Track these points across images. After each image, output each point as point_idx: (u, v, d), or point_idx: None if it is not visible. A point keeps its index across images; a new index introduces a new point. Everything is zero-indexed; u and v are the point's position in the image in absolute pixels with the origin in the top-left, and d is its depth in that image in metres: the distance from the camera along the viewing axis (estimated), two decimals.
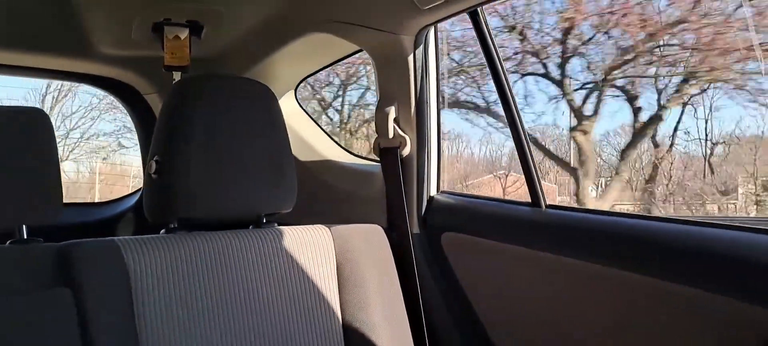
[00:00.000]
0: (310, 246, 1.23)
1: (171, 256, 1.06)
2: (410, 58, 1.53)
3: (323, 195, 1.95)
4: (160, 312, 1.02)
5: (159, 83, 2.21)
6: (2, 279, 0.90)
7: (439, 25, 1.51)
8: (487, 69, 1.42)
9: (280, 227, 1.24)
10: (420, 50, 1.54)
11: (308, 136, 2.10)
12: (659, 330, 1.11)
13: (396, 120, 1.60)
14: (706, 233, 1.08)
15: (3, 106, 1.27)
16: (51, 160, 1.22)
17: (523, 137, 1.39)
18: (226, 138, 1.12)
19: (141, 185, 2.41)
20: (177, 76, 1.82)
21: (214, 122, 1.11)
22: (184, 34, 1.72)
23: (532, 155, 1.39)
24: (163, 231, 1.16)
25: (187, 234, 1.12)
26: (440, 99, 1.62)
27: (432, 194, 1.63)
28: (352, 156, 2.08)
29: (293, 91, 2.13)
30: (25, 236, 1.20)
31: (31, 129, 1.21)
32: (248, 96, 1.18)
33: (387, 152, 1.62)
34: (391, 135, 1.60)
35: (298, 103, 2.16)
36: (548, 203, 1.37)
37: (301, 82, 2.11)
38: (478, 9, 1.35)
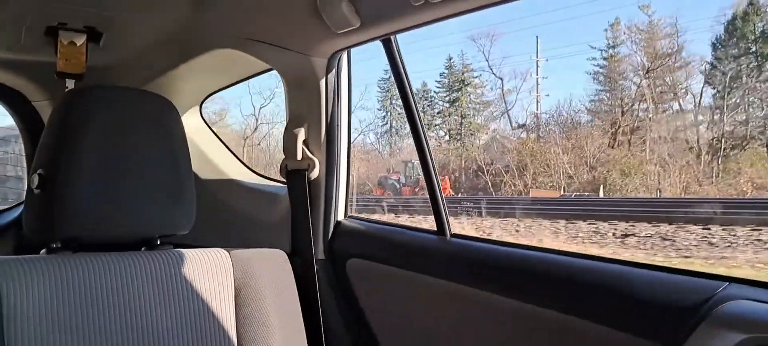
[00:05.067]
0: (208, 270, 1.17)
1: (51, 278, 0.98)
2: (322, 81, 1.52)
3: (225, 216, 1.88)
4: (36, 340, 0.93)
5: (51, 91, 2.07)
6: None
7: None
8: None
9: (176, 249, 1.18)
10: (332, 74, 1.53)
11: (212, 154, 2.03)
12: None
13: (305, 142, 1.57)
14: (604, 268, 1.13)
15: None
16: None
17: (431, 165, 1.40)
18: (120, 154, 1.06)
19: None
20: (71, 83, 1.70)
21: (108, 136, 1.04)
22: (80, 40, 1.62)
23: (439, 183, 1.41)
24: (43, 251, 1.07)
25: (70, 255, 1.04)
26: (351, 123, 1.61)
27: (339, 219, 1.61)
28: (258, 176, 2.03)
29: (198, 107, 2.06)
30: None
31: None
32: (147, 110, 1.12)
33: (294, 174, 1.59)
34: (299, 157, 1.57)
35: (203, 120, 2.08)
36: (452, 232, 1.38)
37: (206, 97, 2.04)
38: (391, 37, 1.36)
